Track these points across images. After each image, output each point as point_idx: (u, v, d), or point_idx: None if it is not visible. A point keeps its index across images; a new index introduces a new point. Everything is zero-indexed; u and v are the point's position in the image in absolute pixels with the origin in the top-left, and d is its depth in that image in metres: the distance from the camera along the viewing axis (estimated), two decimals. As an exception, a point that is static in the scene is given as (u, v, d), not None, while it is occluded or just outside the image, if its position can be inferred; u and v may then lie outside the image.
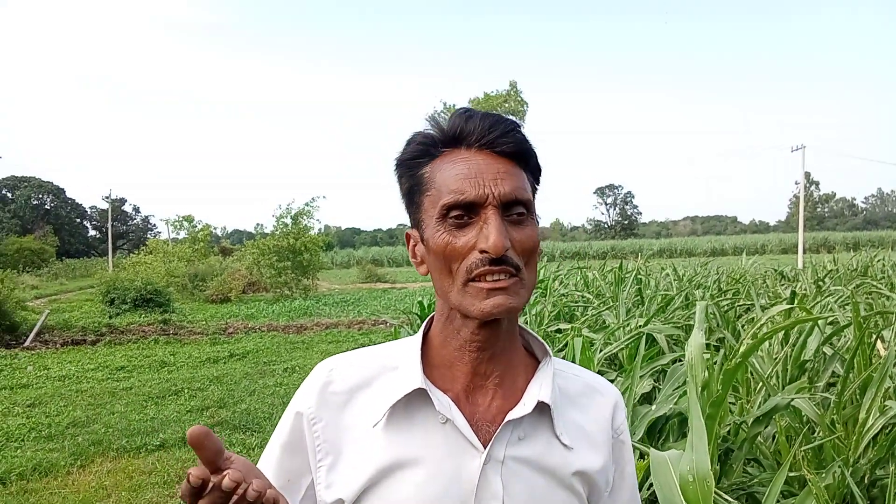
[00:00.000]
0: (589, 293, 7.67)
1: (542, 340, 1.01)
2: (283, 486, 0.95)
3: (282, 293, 22.72)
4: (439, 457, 0.89)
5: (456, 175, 0.87)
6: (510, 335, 0.96)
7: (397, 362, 0.96)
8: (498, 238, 0.83)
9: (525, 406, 0.92)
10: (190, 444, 0.71)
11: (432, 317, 1.00)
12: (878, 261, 11.89)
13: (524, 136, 0.92)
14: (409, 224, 0.98)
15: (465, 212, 0.87)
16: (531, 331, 1.03)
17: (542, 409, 0.93)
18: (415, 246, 0.96)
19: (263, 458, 0.99)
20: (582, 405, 1.00)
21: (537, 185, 0.96)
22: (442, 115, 0.95)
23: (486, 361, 0.93)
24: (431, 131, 0.92)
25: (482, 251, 0.85)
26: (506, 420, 0.90)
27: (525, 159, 0.92)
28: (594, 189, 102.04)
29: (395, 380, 0.93)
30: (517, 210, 0.88)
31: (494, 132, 0.88)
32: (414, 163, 0.93)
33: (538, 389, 0.94)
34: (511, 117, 0.93)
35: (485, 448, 0.89)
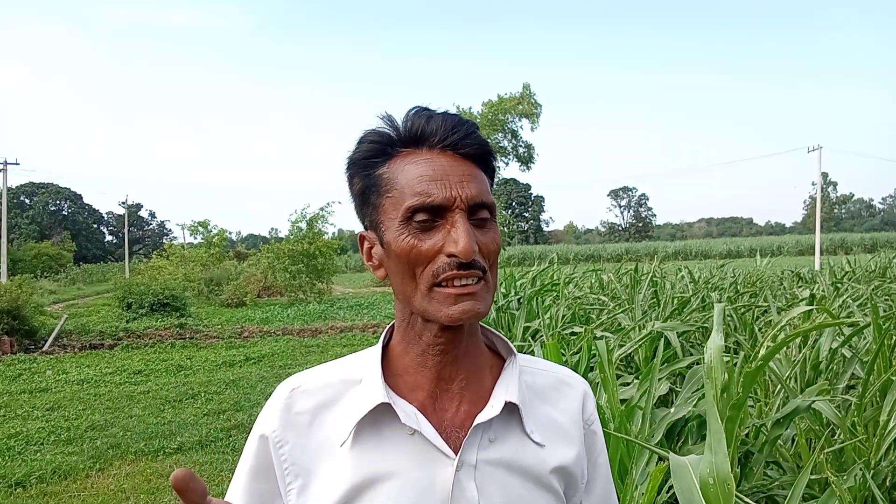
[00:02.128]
0: (604, 296, 7.65)
1: (506, 338, 1.00)
2: None
3: (296, 297, 22.81)
4: (411, 468, 0.87)
5: (420, 177, 0.85)
6: (473, 336, 0.94)
7: (360, 375, 0.93)
8: (468, 242, 0.82)
9: (493, 408, 0.90)
10: (174, 486, 0.70)
11: (392, 325, 0.98)
12: (897, 262, 11.74)
13: (484, 138, 0.90)
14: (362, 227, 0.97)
15: (430, 215, 0.85)
16: (494, 329, 1.01)
17: (511, 408, 0.91)
18: (371, 248, 0.93)
19: (233, 485, 0.96)
20: (552, 399, 0.99)
21: (492, 186, 0.94)
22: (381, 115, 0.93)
23: (449, 365, 0.91)
24: (386, 130, 0.90)
25: (450, 255, 0.83)
26: (475, 423, 0.89)
27: (486, 161, 0.91)
28: (608, 191, 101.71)
29: (359, 395, 0.91)
30: (481, 213, 0.87)
31: (457, 133, 0.87)
32: (369, 162, 0.90)
33: (505, 389, 0.92)
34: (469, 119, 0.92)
35: (456, 454, 0.87)
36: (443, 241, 0.84)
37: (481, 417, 0.89)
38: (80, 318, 17.33)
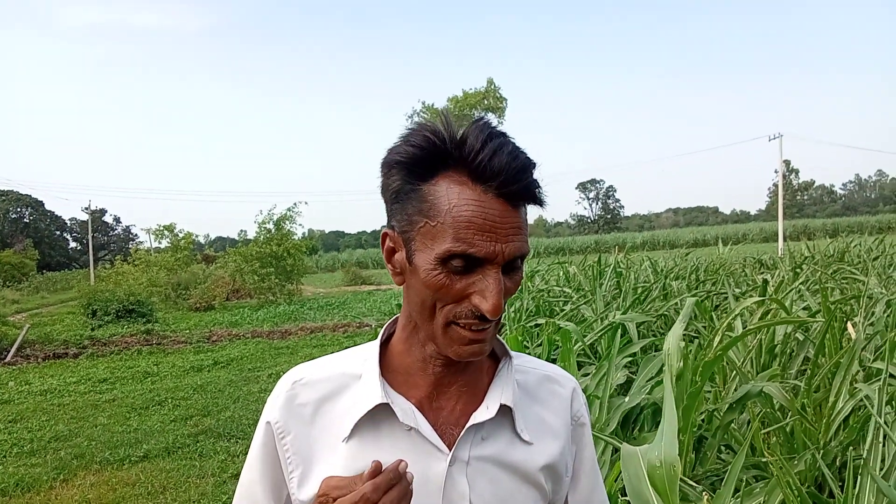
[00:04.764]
0: (569, 288, 7.72)
1: (501, 340, 1.02)
2: (269, 496, 0.96)
3: (266, 299, 22.61)
4: (406, 462, 0.90)
5: (469, 222, 0.80)
6: None
7: (360, 370, 0.96)
8: (497, 302, 0.81)
9: (488, 410, 0.93)
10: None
11: (395, 319, 0.99)
12: (855, 246, 12.03)
13: (538, 182, 0.85)
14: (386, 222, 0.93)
15: (468, 263, 0.82)
16: None
17: (504, 409, 0.95)
18: (394, 251, 0.90)
19: (246, 469, 0.99)
20: (541, 398, 1.02)
21: None
22: (423, 114, 0.88)
23: (450, 375, 0.94)
24: (438, 138, 0.82)
25: (478, 307, 0.82)
26: (469, 423, 0.92)
27: (534, 205, 0.88)
28: (576, 184, 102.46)
29: (359, 392, 0.94)
30: (516, 262, 0.86)
31: (520, 183, 0.81)
32: (413, 170, 0.84)
33: (500, 392, 0.95)
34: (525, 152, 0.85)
35: (450, 450, 0.91)
36: (473, 290, 0.83)
37: (476, 418, 0.92)
38: (44, 328, 16.99)
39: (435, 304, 0.86)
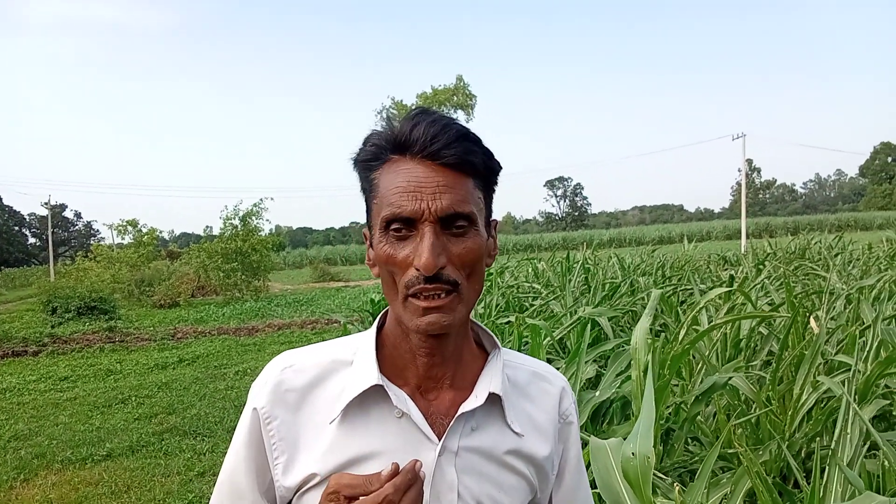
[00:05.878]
0: (538, 284, 7.76)
1: (492, 333, 1.03)
2: (252, 482, 0.95)
3: (232, 295, 22.35)
4: (395, 450, 0.89)
5: (396, 187, 0.86)
6: (461, 337, 0.96)
7: (351, 357, 0.96)
8: (429, 257, 0.82)
9: (477, 398, 0.93)
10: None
11: (387, 310, 1.00)
12: (815, 243, 12.30)
13: (473, 143, 0.88)
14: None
15: (404, 225, 0.85)
16: (480, 324, 1.05)
17: (494, 399, 0.95)
18: (369, 246, 0.95)
19: (230, 455, 0.99)
20: (530, 394, 1.02)
21: (494, 186, 0.94)
22: (392, 110, 0.92)
23: (437, 366, 0.94)
24: (383, 133, 0.90)
25: (417, 268, 0.84)
26: (459, 412, 0.92)
27: (472, 168, 0.88)
28: (544, 182, 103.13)
29: (351, 376, 0.93)
30: (458, 223, 0.86)
31: (437, 143, 0.85)
32: (367, 165, 0.91)
33: (489, 381, 0.95)
34: (459, 121, 0.90)
35: (439, 440, 0.90)
36: (414, 254, 0.85)
37: (465, 407, 0.93)
38: (2, 325, 16.51)
39: (394, 279, 0.88)
